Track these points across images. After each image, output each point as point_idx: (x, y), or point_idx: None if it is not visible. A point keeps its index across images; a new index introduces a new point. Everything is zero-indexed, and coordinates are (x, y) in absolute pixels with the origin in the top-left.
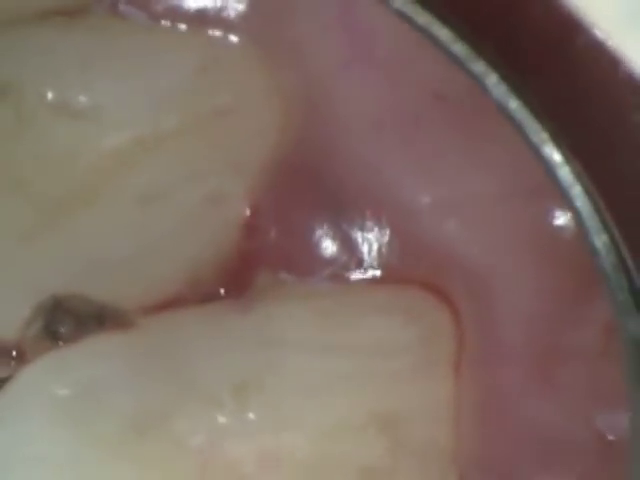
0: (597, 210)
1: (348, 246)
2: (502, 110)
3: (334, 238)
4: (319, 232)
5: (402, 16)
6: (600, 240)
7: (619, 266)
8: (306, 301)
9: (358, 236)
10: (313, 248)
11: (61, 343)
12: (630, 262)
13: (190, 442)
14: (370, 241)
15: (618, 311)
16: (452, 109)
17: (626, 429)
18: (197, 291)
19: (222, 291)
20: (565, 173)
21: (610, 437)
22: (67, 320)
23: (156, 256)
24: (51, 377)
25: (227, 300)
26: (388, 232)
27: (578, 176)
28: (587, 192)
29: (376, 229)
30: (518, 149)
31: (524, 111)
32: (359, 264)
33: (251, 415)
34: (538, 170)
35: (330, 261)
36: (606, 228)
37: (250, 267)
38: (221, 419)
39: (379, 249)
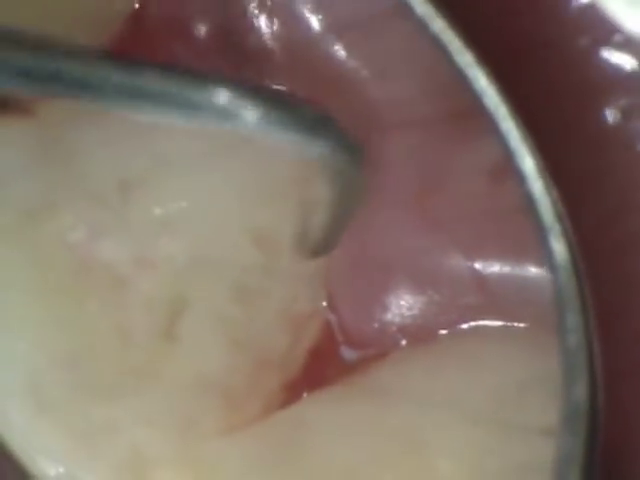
0: (523, 134)
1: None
2: (426, 30)
3: None
4: None
5: None
6: (527, 164)
7: (548, 190)
8: None
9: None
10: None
11: None
12: None
13: (69, 236)
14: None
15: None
16: None
17: (503, 273)
18: None
19: None
20: (491, 95)
21: (486, 280)
22: None
23: None
24: None
25: None
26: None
27: (504, 98)
28: (513, 115)
29: None
30: None
31: (449, 32)
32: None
33: (132, 215)
34: None
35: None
36: (532, 152)
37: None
38: (103, 216)
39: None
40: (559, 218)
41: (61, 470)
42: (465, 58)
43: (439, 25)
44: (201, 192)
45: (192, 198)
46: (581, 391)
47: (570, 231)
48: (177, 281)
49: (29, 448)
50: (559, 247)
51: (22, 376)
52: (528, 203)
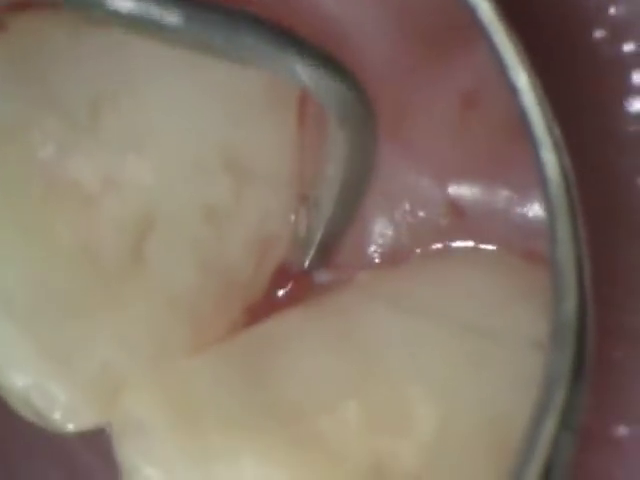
0: (518, 48)
1: None
2: None
3: None
4: None
5: None
6: (520, 78)
7: (540, 103)
8: None
9: None
10: None
11: None
12: None
13: (39, 154)
14: None
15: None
16: None
17: (475, 196)
18: None
19: None
20: (485, 9)
21: (458, 203)
22: None
23: None
24: None
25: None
26: None
27: (498, 13)
28: (507, 30)
29: None
30: None
31: None
32: None
33: (101, 134)
34: None
35: None
36: (526, 67)
37: None
38: (72, 133)
39: None
40: (550, 131)
41: (29, 381)
42: None
43: None
44: (172, 112)
45: (162, 118)
46: (570, 306)
47: (562, 144)
48: (145, 201)
49: (1, 361)
50: (550, 159)
51: None
52: (520, 116)
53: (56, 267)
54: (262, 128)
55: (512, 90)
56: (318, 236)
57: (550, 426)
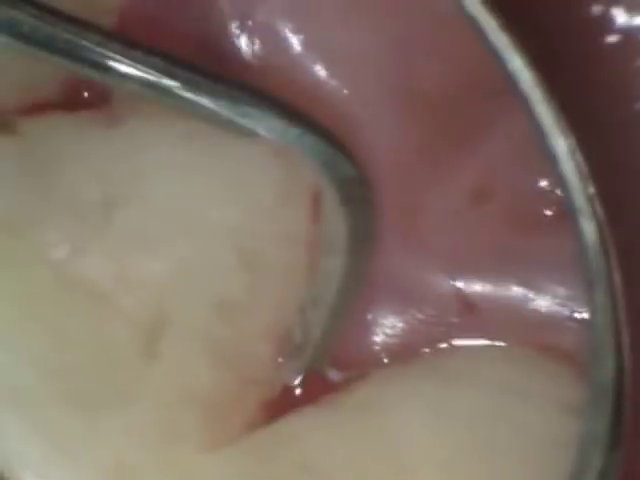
0: (557, 116)
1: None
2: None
3: None
4: None
5: None
6: (559, 146)
7: (579, 172)
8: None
9: None
10: None
11: None
12: None
13: (52, 254)
14: None
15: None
16: None
17: (486, 292)
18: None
19: (86, 94)
20: (526, 77)
21: (469, 299)
22: None
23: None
24: None
25: (93, 111)
26: None
27: (539, 81)
28: (547, 97)
29: None
30: None
31: (485, 13)
32: None
33: (114, 232)
34: None
35: None
36: (565, 134)
37: None
38: (85, 232)
39: None
40: (590, 200)
41: None
42: (502, 41)
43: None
44: (184, 211)
45: (174, 217)
46: (608, 371)
47: (600, 212)
48: (159, 298)
49: (11, 458)
50: (589, 228)
51: (6, 386)
52: (560, 184)
53: (70, 362)
54: (275, 221)
55: (552, 158)
56: (318, 334)
57: None
